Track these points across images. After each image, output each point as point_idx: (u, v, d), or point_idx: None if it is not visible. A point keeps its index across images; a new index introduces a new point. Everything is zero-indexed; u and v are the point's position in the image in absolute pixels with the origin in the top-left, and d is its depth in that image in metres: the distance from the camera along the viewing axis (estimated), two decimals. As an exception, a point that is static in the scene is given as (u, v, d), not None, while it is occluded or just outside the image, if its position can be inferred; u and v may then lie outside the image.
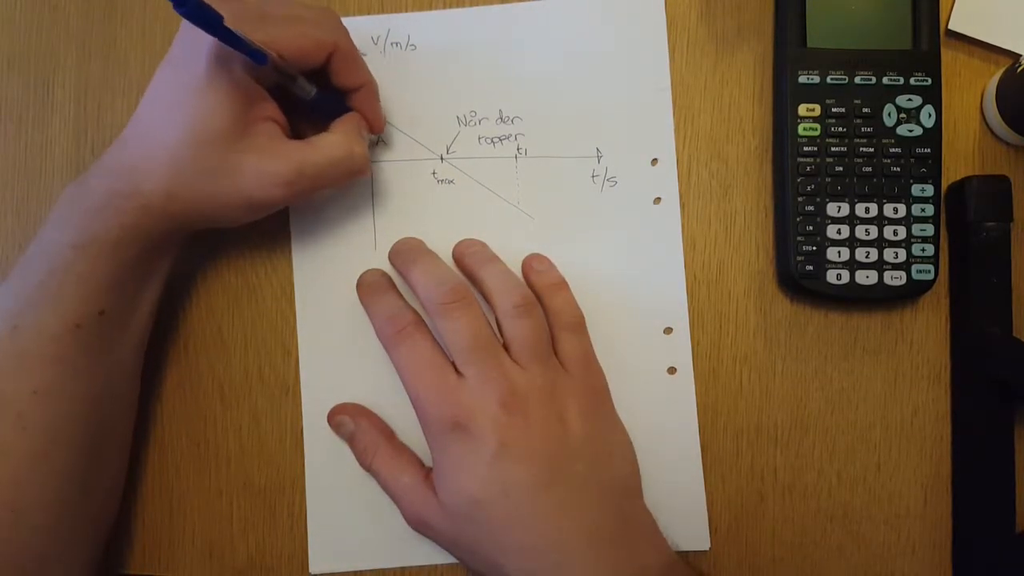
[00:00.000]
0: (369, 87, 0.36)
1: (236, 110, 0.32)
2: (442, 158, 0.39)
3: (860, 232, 0.37)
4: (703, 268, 0.39)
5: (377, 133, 0.38)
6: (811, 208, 0.37)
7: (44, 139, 0.41)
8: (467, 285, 0.35)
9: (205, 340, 0.39)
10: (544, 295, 0.37)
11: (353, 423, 0.37)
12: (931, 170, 0.37)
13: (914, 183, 0.37)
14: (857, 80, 0.37)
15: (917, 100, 0.37)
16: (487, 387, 0.33)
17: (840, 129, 0.37)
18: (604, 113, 0.39)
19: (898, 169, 0.37)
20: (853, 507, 0.38)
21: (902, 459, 0.39)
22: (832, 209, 0.37)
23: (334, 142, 0.34)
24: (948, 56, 0.39)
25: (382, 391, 0.38)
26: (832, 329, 0.39)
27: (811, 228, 0.37)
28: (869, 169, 0.37)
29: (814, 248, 0.37)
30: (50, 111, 0.41)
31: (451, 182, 0.39)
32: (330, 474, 0.38)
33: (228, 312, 0.39)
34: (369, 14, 0.40)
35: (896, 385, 0.39)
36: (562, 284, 0.37)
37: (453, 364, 0.34)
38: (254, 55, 0.30)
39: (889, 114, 0.37)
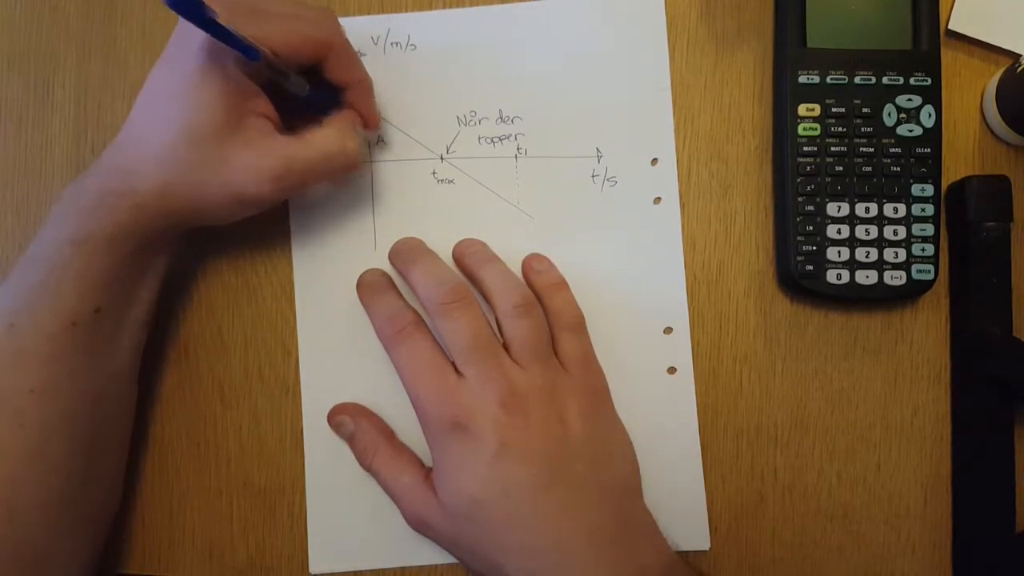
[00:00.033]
0: (364, 84, 0.36)
1: (227, 106, 0.32)
2: (442, 158, 0.39)
3: (860, 232, 0.37)
4: (703, 268, 0.39)
5: (372, 130, 0.37)
6: (811, 208, 0.37)
7: (44, 139, 0.41)
8: (467, 285, 0.35)
9: (205, 340, 0.39)
10: (544, 295, 0.37)
11: (353, 423, 0.37)
12: (931, 170, 0.37)
13: (914, 183, 0.37)
14: (857, 80, 0.37)
15: (917, 100, 0.37)
16: (487, 387, 0.33)
17: (840, 129, 0.37)
18: (604, 113, 0.39)
19: (898, 169, 0.37)
20: (853, 507, 0.38)
21: (902, 459, 0.39)
22: (832, 209, 0.37)
23: (325, 137, 0.34)
24: (948, 56, 0.39)
25: (382, 391, 0.38)
26: (832, 329, 0.39)
27: (811, 228, 0.37)
28: (869, 169, 0.37)
29: (814, 248, 0.37)
30: (50, 111, 0.41)
31: (451, 182, 0.39)
32: (330, 474, 0.38)
33: (228, 312, 0.39)
34: (369, 14, 0.40)
35: (896, 385, 0.39)
36: (562, 284, 0.37)
37: (453, 364, 0.34)
38: (246, 51, 0.30)
39: (889, 114, 0.37)
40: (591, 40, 0.39)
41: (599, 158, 0.39)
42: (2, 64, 0.41)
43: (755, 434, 0.39)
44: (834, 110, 0.37)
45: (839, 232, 0.37)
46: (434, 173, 0.39)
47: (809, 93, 0.37)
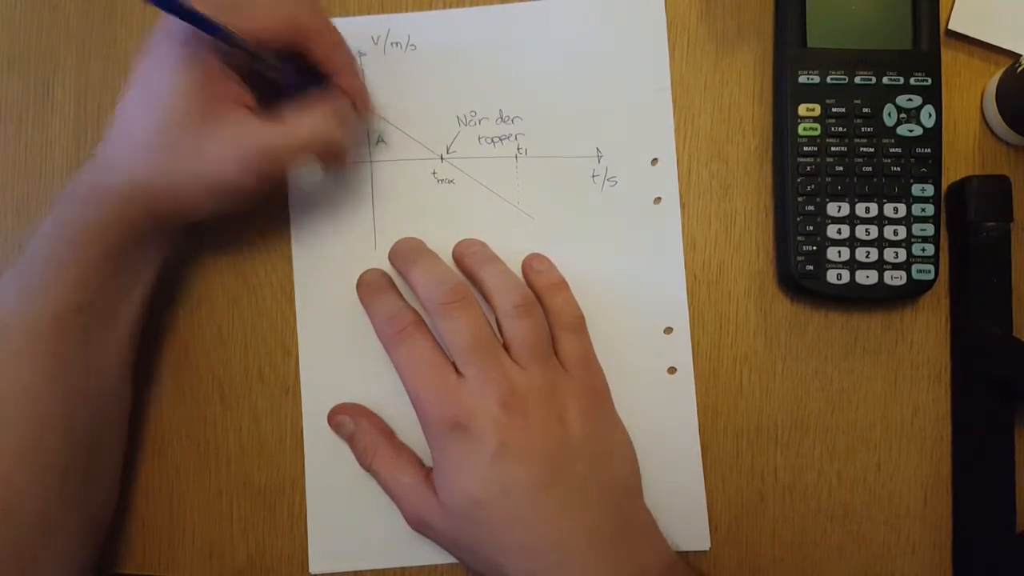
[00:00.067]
0: (349, 66, 0.35)
1: (201, 94, 0.32)
2: (442, 158, 0.39)
3: (860, 232, 0.37)
4: (703, 268, 0.39)
5: (364, 114, 0.37)
6: (811, 208, 0.37)
7: (44, 139, 0.41)
8: (467, 285, 0.35)
9: (205, 340, 0.39)
10: (544, 295, 0.37)
11: (353, 423, 0.37)
12: (931, 170, 0.37)
13: (914, 183, 0.37)
14: (857, 80, 0.37)
15: (917, 100, 0.37)
16: (487, 387, 0.33)
17: (840, 129, 0.37)
18: (604, 113, 0.39)
19: (898, 169, 0.37)
20: (853, 507, 0.38)
21: (902, 459, 0.39)
22: (832, 209, 0.37)
23: (307, 122, 0.33)
24: (948, 56, 0.39)
25: (382, 391, 0.38)
26: (832, 329, 0.39)
27: (811, 228, 0.37)
28: (869, 169, 0.37)
29: (814, 248, 0.37)
30: (50, 111, 0.41)
31: (451, 182, 0.39)
32: (330, 474, 0.38)
33: (228, 312, 0.39)
34: (369, 14, 0.40)
35: (896, 385, 0.39)
36: (562, 284, 0.37)
37: (453, 364, 0.34)
38: (222, 37, 0.30)
39: (889, 114, 0.37)
40: (591, 40, 0.39)
41: (599, 158, 0.39)
42: (2, 64, 0.41)
43: (755, 434, 0.39)
44: (834, 110, 0.37)
45: (839, 232, 0.37)
46: (434, 173, 0.39)
47: (809, 93, 0.37)
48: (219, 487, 0.38)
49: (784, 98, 0.38)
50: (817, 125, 0.37)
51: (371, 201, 0.39)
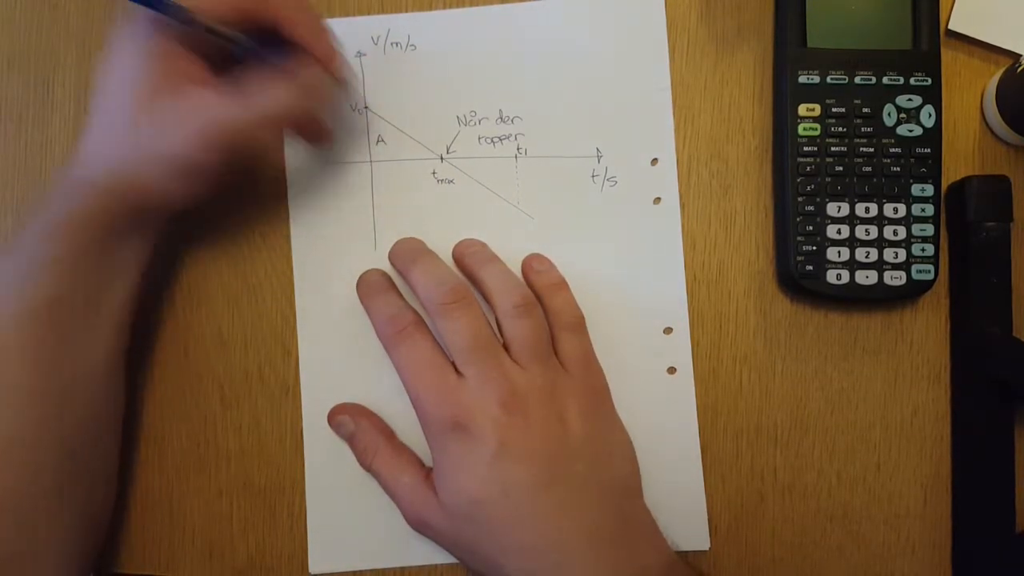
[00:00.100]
0: (318, 31, 0.34)
1: (157, 75, 0.31)
2: (442, 158, 0.39)
3: (860, 232, 0.37)
4: (703, 268, 0.39)
5: (338, 78, 0.35)
6: (811, 208, 0.37)
7: (44, 138, 0.41)
8: (467, 285, 0.35)
9: (205, 340, 0.39)
10: (544, 295, 0.37)
11: (353, 423, 0.37)
12: (931, 170, 0.37)
13: (914, 183, 0.37)
14: (857, 80, 0.37)
15: (917, 100, 0.37)
16: (487, 387, 0.33)
17: (840, 129, 0.37)
18: (604, 113, 0.39)
19: (898, 169, 0.37)
20: (853, 507, 0.38)
21: (902, 459, 0.39)
22: (832, 209, 0.37)
23: (267, 96, 0.32)
24: (948, 56, 0.39)
25: (382, 391, 0.38)
26: (832, 329, 0.39)
27: (811, 228, 0.37)
28: (869, 169, 0.37)
29: (814, 248, 0.37)
30: (50, 110, 0.41)
31: (451, 182, 0.39)
32: (330, 474, 0.38)
33: (228, 312, 0.39)
34: (369, 14, 0.40)
35: (896, 385, 0.39)
36: (562, 284, 0.37)
37: (453, 364, 0.34)
38: (171, 12, 0.30)
39: (889, 114, 0.37)
40: (591, 40, 0.39)
41: (599, 158, 0.39)
42: (2, 63, 0.41)
43: (755, 434, 0.39)
44: (834, 110, 0.37)
45: (839, 232, 0.37)
46: (434, 173, 0.39)
47: (809, 93, 0.37)
48: (219, 487, 0.38)
49: (784, 98, 0.38)
50: (817, 125, 0.37)
51: (371, 201, 0.39)
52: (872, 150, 0.37)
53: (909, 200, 0.37)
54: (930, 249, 0.37)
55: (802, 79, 0.37)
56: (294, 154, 0.39)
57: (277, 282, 0.39)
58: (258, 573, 0.38)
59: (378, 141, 0.39)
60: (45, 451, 0.32)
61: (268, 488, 0.38)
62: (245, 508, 0.38)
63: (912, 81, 0.37)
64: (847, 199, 0.37)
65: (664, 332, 0.39)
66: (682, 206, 0.39)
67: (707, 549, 0.38)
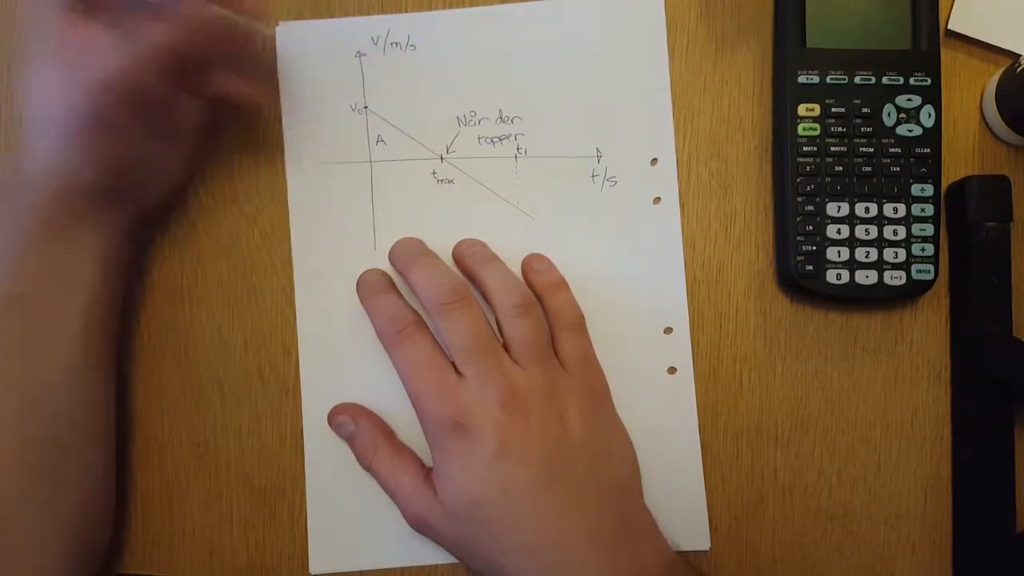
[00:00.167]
0: None
1: (49, 35, 0.31)
2: (442, 158, 0.39)
3: (860, 232, 0.37)
4: (703, 268, 0.39)
5: (250, 8, 0.33)
6: (811, 208, 0.37)
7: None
8: (467, 285, 0.35)
9: (205, 340, 0.39)
10: (544, 295, 0.37)
11: (353, 423, 0.37)
12: (931, 170, 0.37)
13: (914, 183, 0.37)
14: (857, 80, 0.37)
15: (917, 100, 0.37)
16: (487, 387, 0.33)
17: (840, 129, 0.37)
18: (604, 113, 0.39)
19: (898, 169, 0.37)
20: (853, 507, 0.38)
21: (902, 459, 0.39)
22: (832, 209, 0.37)
23: (142, 34, 0.30)
24: (948, 56, 0.39)
25: (382, 391, 0.38)
26: (832, 329, 0.39)
27: (811, 228, 0.37)
28: (869, 169, 0.37)
29: (814, 248, 0.37)
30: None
31: (451, 182, 0.39)
32: (330, 474, 0.38)
33: (228, 312, 0.39)
34: (369, 14, 0.40)
35: (896, 385, 0.39)
36: (562, 284, 0.37)
37: (453, 364, 0.34)
38: None
39: (889, 114, 0.37)
40: (591, 40, 0.39)
41: (599, 158, 0.39)
42: (2, 63, 0.41)
43: (755, 434, 0.39)
44: (834, 110, 0.37)
45: (839, 232, 0.37)
46: (434, 173, 0.39)
47: (809, 93, 0.37)
48: (219, 487, 0.38)
49: (784, 98, 0.38)
50: (817, 125, 0.37)
51: (371, 201, 0.39)
52: (872, 150, 0.37)
53: (909, 200, 0.37)
54: (930, 249, 0.37)
55: (802, 79, 0.37)
56: (294, 154, 0.39)
57: (277, 282, 0.39)
58: (258, 573, 0.38)
59: (378, 141, 0.39)
60: (21, 447, 0.32)
61: (268, 488, 0.38)
62: (245, 508, 0.38)
63: (912, 81, 0.37)
64: (847, 199, 0.37)
65: (664, 332, 0.39)
66: (682, 206, 0.39)
67: (707, 549, 0.38)
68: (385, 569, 0.38)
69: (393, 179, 0.39)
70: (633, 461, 0.37)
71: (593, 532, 0.33)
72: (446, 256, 0.38)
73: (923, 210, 0.37)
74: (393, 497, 0.36)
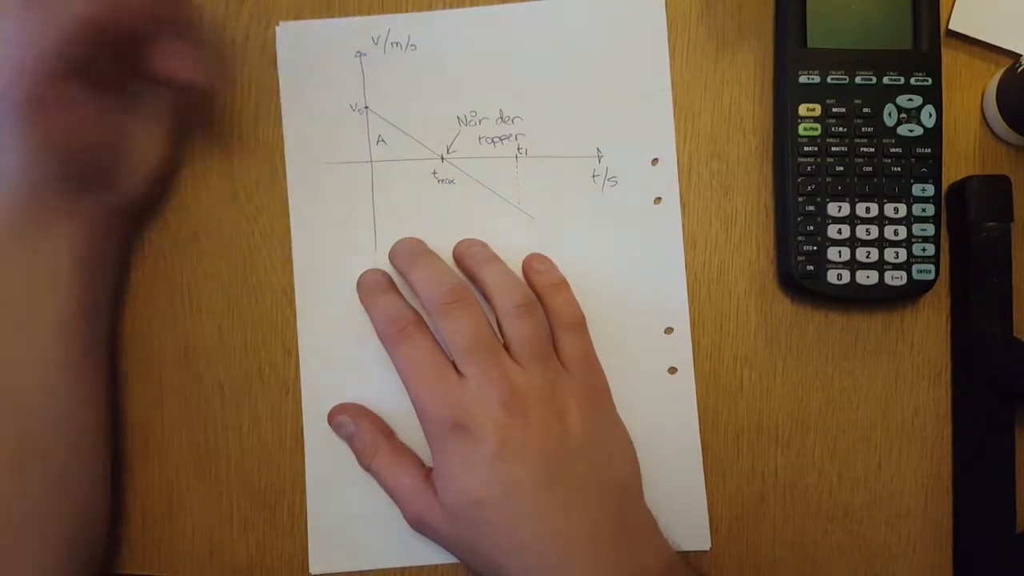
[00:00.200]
0: None
1: None
2: (442, 158, 0.39)
3: (861, 232, 0.37)
4: (704, 268, 0.39)
5: None
6: (812, 208, 0.37)
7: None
8: (467, 285, 0.35)
9: (205, 340, 0.39)
10: (545, 295, 0.37)
11: (353, 423, 0.37)
12: (931, 170, 0.37)
13: (915, 183, 0.37)
14: (857, 80, 0.37)
15: (917, 100, 0.37)
16: (487, 387, 0.33)
17: (840, 129, 0.37)
18: (604, 113, 0.39)
19: (899, 169, 0.37)
20: (854, 507, 0.38)
21: (903, 459, 0.39)
22: (833, 209, 0.37)
23: (54, 4, 0.29)
24: (948, 56, 0.39)
25: (382, 391, 0.38)
26: (833, 329, 0.39)
27: (812, 228, 0.37)
28: (870, 169, 0.37)
29: (815, 248, 0.37)
30: None
31: (451, 182, 0.39)
32: (330, 474, 0.38)
33: (228, 312, 0.39)
34: (369, 14, 0.40)
35: (896, 385, 0.39)
36: (563, 284, 0.37)
37: (454, 364, 0.34)
38: None
39: (889, 114, 0.37)
40: (591, 40, 0.39)
41: (599, 158, 0.39)
42: None
43: (756, 434, 0.39)
44: (835, 110, 0.37)
45: (840, 232, 0.37)
46: (434, 173, 0.39)
47: (809, 93, 0.37)
48: (219, 487, 0.38)
49: (784, 98, 0.38)
50: (817, 125, 0.37)
51: (371, 201, 0.39)
52: (873, 150, 0.37)
53: (910, 200, 0.37)
54: (931, 249, 0.37)
55: (802, 79, 0.37)
56: (294, 154, 0.39)
57: (277, 282, 0.39)
58: (258, 573, 0.38)
59: (378, 141, 0.39)
60: (4, 448, 0.32)
61: (268, 488, 0.38)
62: (245, 508, 0.38)
63: (912, 81, 0.37)
64: (848, 199, 0.37)
65: (665, 332, 0.39)
66: (683, 206, 0.39)
67: (708, 549, 0.38)
68: (385, 569, 0.38)
69: (393, 179, 0.39)
70: (633, 461, 0.37)
71: (593, 532, 0.33)
72: (446, 256, 0.38)
73: (924, 210, 0.37)
74: (393, 497, 0.36)
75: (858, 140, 0.37)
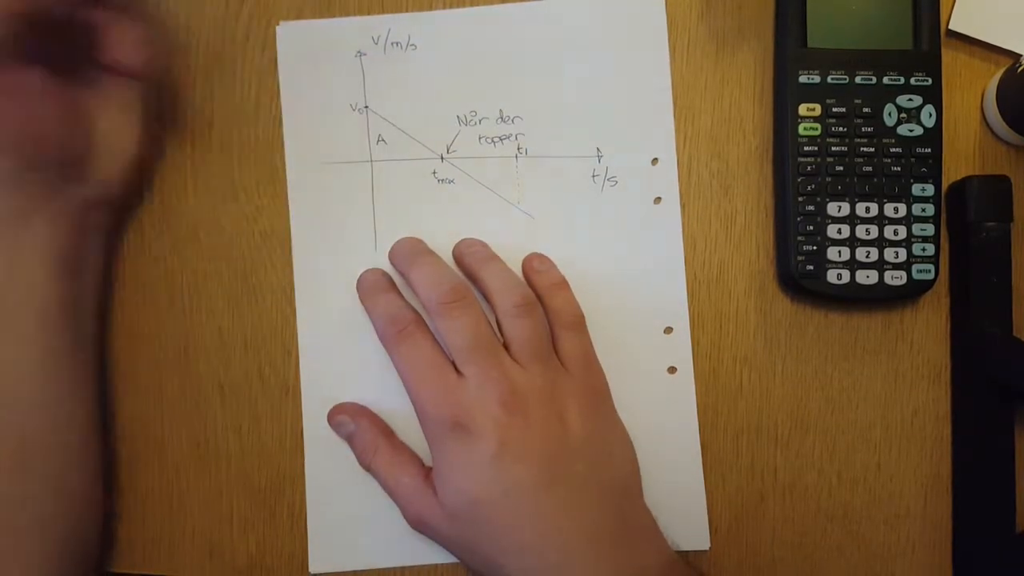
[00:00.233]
0: None
1: None
2: (442, 158, 0.39)
3: (860, 232, 0.37)
4: (703, 268, 0.39)
5: None
6: (811, 208, 0.37)
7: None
8: (467, 285, 0.35)
9: (205, 340, 0.39)
10: (544, 295, 0.37)
11: (353, 423, 0.37)
12: (931, 170, 0.37)
13: (914, 183, 0.37)
14: (858, 80, 0.37)
15: (917, 100, 0.37)
16: (487, 387, 0.33)
17: (840, 129, 0.37)
18: (604, 113, 0.39)
19: (899, 169, 0.37)
20: (853, 507, 0.38)
21: (902, 459, 0.39)
22: (832, 209, 0.37)
23: None
24: (948, 56, 0.39)
25: (382, 391, 0.38)
26: (832, 329, 0.39)
27: (811, 228, 0.37)
28: (870, 169, 0.37)
29: (814, 248, 0.37)
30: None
31: (451, 182, 0.39)
32: (330, 474, 0.38)
33: (228, 312, 0.39)
34: (369, 14, 0.40)
35: (896, 385, 0.39)
36: (562, 283, 0.37)
37: (454, 364, 0.34)
38: None
39: (890, 114, 0.37)
40: (591, 40, 0.39)
41: (599, 158, 0.39)
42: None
43: (755, 434, 0.39)
44: (835, 110, 0.37)
45: (839, 232, 0.37)
46: (434, 173, 0.39)
47: (809, 93, 0.37)
48: (219, 487, 0.38)
49: (784, 98, 0.38)
50: (817, 125, 0.37)
51: (371, 201, 0.39)
52: (873, 150, 0.37)
53: (909, 200, 0.37)
54: (930, 249, 0.37)
55: (802, 79, 0.37)
56: (294, 154, 0.39)
57: (277, 282, 0.39)
58: (258, 573, 0.38)
59: (378, 141, 0.39)
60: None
61: (268, 488, 0.38)
62: (245, 508, 0.38)
63: (912, 81, 0.37)
64: (848, 199, 0.37)
65: (664, 332, 0.39)
66: (682, 206, 0.39)
67: (707, 549, 0.38)
68: (385, 569, 0.38)
69: (393, 179, 0.39)
70: (633, 461, 0.37)
71: (593, 532, 0.33)
72: (446, 256, 0.38)
73: (924, 210, 0.37)
74: (393, 497, 0.36)
75: (858, 140, 0.37)
